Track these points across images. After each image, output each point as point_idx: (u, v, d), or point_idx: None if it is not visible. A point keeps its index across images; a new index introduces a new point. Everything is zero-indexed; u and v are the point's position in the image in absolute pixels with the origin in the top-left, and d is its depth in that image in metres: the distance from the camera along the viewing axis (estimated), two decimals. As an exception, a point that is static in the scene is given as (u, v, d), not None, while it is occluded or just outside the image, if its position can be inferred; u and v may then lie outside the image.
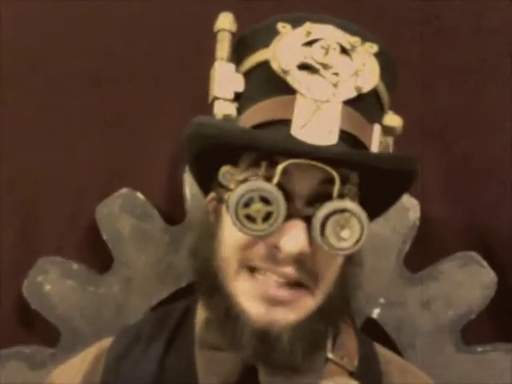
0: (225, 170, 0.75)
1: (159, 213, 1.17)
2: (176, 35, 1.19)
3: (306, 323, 0.76)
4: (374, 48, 0.78)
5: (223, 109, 0.77)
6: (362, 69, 0.76)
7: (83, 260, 1.19)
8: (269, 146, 0.71)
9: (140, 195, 1.17)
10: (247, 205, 0.71)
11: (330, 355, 0.82)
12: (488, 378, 1.15)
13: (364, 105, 0.76)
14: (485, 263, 1.15)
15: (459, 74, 1.20)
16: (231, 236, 0.76)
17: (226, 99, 0.77)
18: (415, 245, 1.16)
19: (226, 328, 0.76)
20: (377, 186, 0.78)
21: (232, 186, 0.74)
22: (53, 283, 1.16)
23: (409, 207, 1.15)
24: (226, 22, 0.80)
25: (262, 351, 0.74)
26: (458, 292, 1.15)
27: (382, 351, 0.90)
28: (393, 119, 0.81)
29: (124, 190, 1.17)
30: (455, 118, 1.20)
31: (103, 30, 1.19)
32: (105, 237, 1.16)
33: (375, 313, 1.15)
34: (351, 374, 0.81)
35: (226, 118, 0.77)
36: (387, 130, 0.80)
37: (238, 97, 0.78)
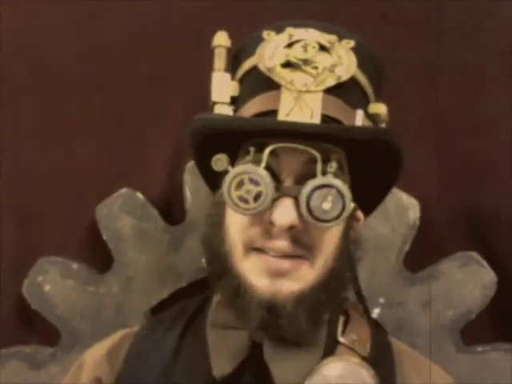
0: (216, 157, 0.81)
1: (159, 213, 1.17)
2: (176, 35, 1.19)
3: (309, 293, 0.81)
4: (351, 43, 0.85)
5: (222, 111, 0.86)
6: (340, 61, 0.84)
7: (83, 260, 1.19)
8: (254, 127, 0.80)
9: (140, 195, 1.17)
10: (239, 187, 0.79)
11: (341, 339, 0.86)
12: (488, 378, 1.15)
13: (345, 93, 0.83)
14: (485, 263, 1.15)
15: (460, 73, 1.19)
16: (233, 221, 0.83)
17: (223, 103, 0.86)
18: (415, 245, 1.16)
19: (235, 304, 0.82)
20: (368, 171, 0.84)
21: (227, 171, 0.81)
22: (53, 283, 1.16)
23: (409, 207, 1.15)
24: (221, 39, 0.89)
25: (268, 320, 0.80)
26: (458, 292, 1.15)
27: (395, 342, 0.94)
28: (377, 107, 0.88)
29: (124, 190, 1.17)
30: (455, 118, 1.20)
31: (103, 30, 1.19)
32: (105, 237, 1.17)
33: (375, 313, 1.15)
34: (364, 359, 0.85)
35: None
36: (373, 118, 0.87)
37: (234, 101, 0.87)
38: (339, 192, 0.78)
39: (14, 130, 1.20)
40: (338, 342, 0.86)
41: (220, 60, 0.88)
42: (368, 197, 0.88)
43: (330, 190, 0.78)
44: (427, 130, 1.19)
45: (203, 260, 1.13)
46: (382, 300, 1.15)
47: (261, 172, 0.78)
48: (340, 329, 0.87)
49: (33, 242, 1.20)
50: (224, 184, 0.79)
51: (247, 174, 0.79)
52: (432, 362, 0.94)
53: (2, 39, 1.19)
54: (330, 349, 0.86)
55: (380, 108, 0.88)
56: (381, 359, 0.87)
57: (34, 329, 1.21)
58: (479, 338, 1.17)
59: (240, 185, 0.79)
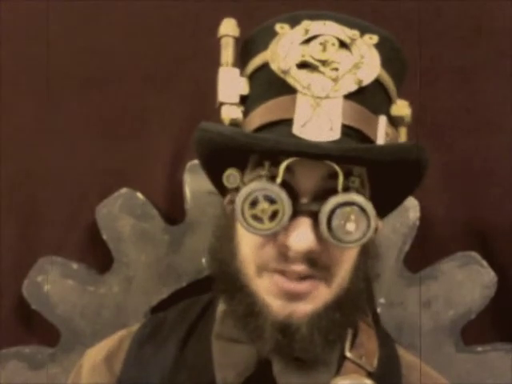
0: (228, 172, 0.75)
1: (159, 213, 1.17)
2: (176, 35, 1.19)
3: (324, 313, 0.76)
4: (374, 39, 0.78)
5: (229, 113, 0.78)
6: (362, 61, 0.76)
7: (83, 260, 1.19)
8: (267, 148, 0.72)
9: (140, 195, 1.17)
10: (253, 205, 0.72)
11: (348, 354, 0.83)
12: (488, 378, 1.15)
13: (367, 97, 0.76)
14: (485, 263, 1.15)
15: (459, 74, 1.19)
16: (245, 238, 0.77)
17: (231, 103, 0.78)
18: (415, 245, 1.16)
19: (249, 324, 0.77)
20: (387, 178, 0.77)
21: (239, 187, 0.75)
22: (53, 283, 1.16)
23: (409, 207, 1.15)
24: (228, 27, 0.81)
25: (283, 343, 0.75)
26: (458, 292, 1.15)
27: (404, 354, 0.90)
28: (400, 109, 0.81)
29: (124, 190, 1.17)
30: (455, 118, 1.20)
31: (103, 29, 1.19)
32: (105, 237, 1.16)
33: (375, 313, 1.15)
34: (370, 374, 0.82)
35: (233, 122, 0.78)
36: (396, 121, 0.80)
37: (244, 100, 0.79)
38: (363, 210, 0.72)
39: (13, 129, 1.20)
40: (345, 358, 0.83)
41: (227, 52, 0.79)
42: (385, 203, 0.82)
43: (352, 209, 0.72)
44: (427, 130, 1.19)
45: (203, 260, 1.14)
46: (382, 300, 1.15)
47: (277, 189, 0.71)
48: (348, 343, 0.83)
49: (33, 242, 1.20)
50: (237, 202, 0.73)
51: (262, 191, 0.72)
52: (435, 369, 0.92)
53: (2, 39, 1.19)
54: (339, 365, 0.82)
55: (404, 109, 0.81)
56: (388, 373, 0.84)
57: (34, 329, 1.21)
58: (479, 338, 1.17)
59: (254, 203, 0.72)
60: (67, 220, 1.20)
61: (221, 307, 0.85)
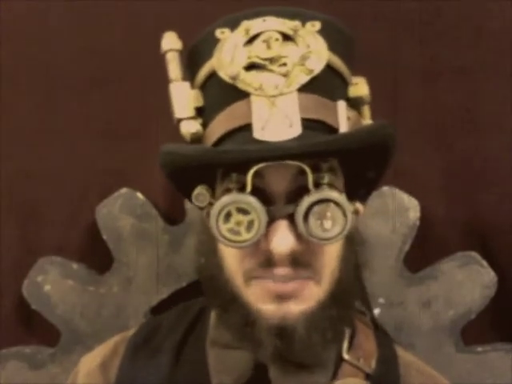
0: (197, 192, 0.74)
1: (159, 213, 1.17)
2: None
3: (320, 311, 0.75)
4: (317, 25, 0.77)
5: (189, 128, 0.77)
6: (309, 51, 0.75)
7: (83, 260, 1.19)
8: (230, 161, 0.71)
9: (140, 195, 1.17)
10: (227, 219, 0.71)
11: (345, 356, 0.82)
12: (488, 378, 1.15)
13: (321, 85, 0.75)
14: (485, 263, 1.15)
15: (459, 73, 1.19)
16: (228, 250, 0.76)
17: (189, 118, 0.78)
18: (415, 245, 1.16)
19: (246, 335, 0.76)
20: (359, 161, 0.75)
21: (212, 201, 0.74)
22: (53, 283, 1.16)
23: (409, 207, 1.15)
24: (169, 42, 0.80)
25: (282, 347, 0.74)
26: (457, 292, 1.15)
27: (402, 353, 0.89)
28: (358, 89, 0.79)
29: (124, 190, 1.17)
30: (455, 118, 1.20)
31: (103, 29, 1.19)
32: (105, 237, 1.17)
33: (375, 313, 1.15)
34: (368, 376, 0.81)
35: (193, 136, 0.77)
36: (356, 102, 0.79)
37: (200, 111, 0.78)
38: (338, 205, 0.71)
39: (14, 129, 1.20)
40: (342, 359, 0.81)
41: (174, 67, 0.80)
42: (362, 185, 0.80)
43: (327, 205, 0.70)
44: (427, 130, 1.19)
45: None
46: (381, 300, 1.15)
47: (248, 199, 0.70)
48: (346, 344, 0.82)
49: (33, 241, 1.20)
50: (211, 218, 0.71)
51: (234, 204, 0.71)
52: (435, 369, 0.91)
53: (1, 39, 1.19)
54: (336, 368, 0.81)
55: (361, 89, 0.79)
56: (386, 373, 0.83)
57: (34, 329, 1.21)
58: (479, 338, 1.17)
59: (228, 217, 0.71)
60: (67, 220, 1.20)
61: (214, 313, 0.85)
